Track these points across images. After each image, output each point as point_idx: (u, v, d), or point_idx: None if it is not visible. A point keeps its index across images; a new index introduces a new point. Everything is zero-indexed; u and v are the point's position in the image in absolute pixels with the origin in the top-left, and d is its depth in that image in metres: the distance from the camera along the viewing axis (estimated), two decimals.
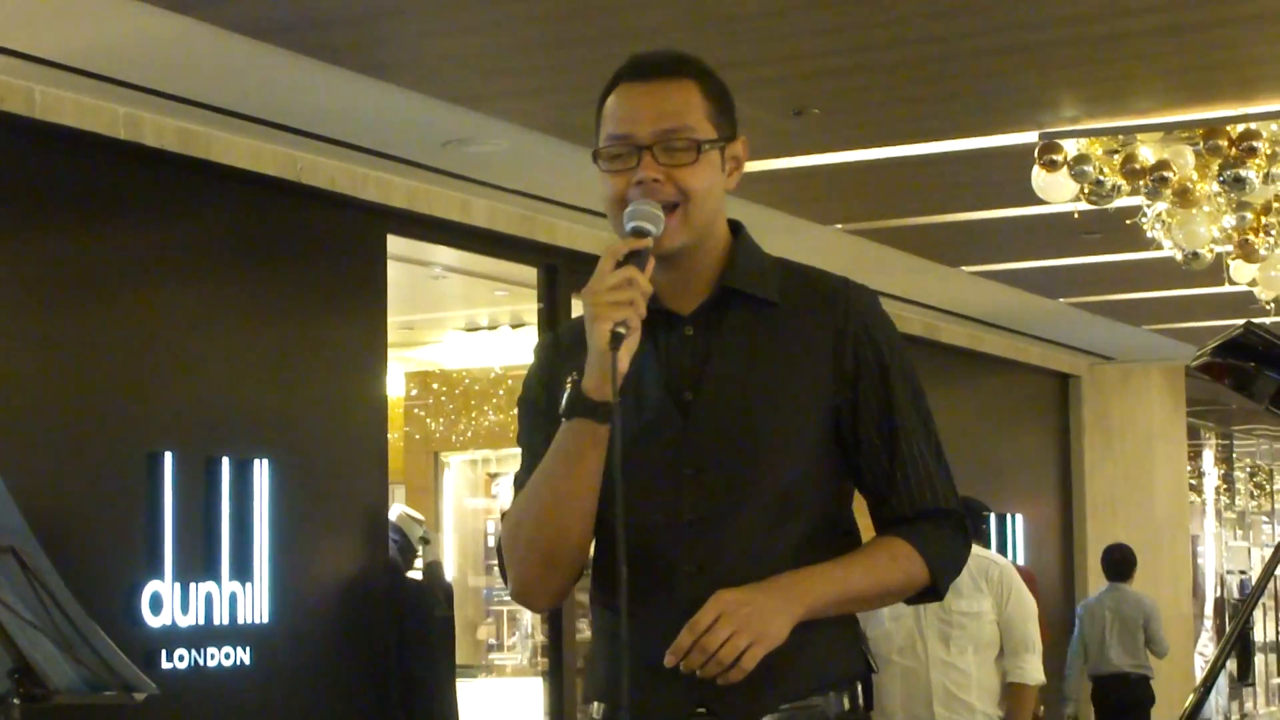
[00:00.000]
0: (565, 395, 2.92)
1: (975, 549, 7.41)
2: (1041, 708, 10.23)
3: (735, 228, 3.15)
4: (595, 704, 3.11)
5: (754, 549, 2.96)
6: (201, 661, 7.70)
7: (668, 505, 2.98)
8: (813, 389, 3.02)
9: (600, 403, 2.87)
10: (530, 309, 11.12)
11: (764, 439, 2.99)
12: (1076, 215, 9.46)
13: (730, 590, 2.88)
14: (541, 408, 3.10)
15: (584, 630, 10.68)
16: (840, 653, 3.07)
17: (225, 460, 7.89)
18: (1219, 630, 23.67)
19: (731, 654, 2.84)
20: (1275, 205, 8.93)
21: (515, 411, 3.21)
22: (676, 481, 2.98)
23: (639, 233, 2.92)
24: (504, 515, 3.12)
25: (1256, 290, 9.90)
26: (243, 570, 7.91)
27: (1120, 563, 13.34)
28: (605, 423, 2.88)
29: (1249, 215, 8.91)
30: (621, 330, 2.82)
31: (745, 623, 2.85)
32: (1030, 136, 8.35)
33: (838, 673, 3.05)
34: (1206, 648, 21.61)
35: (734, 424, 2.99)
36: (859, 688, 3.08)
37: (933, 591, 3.10)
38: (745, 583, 2.91)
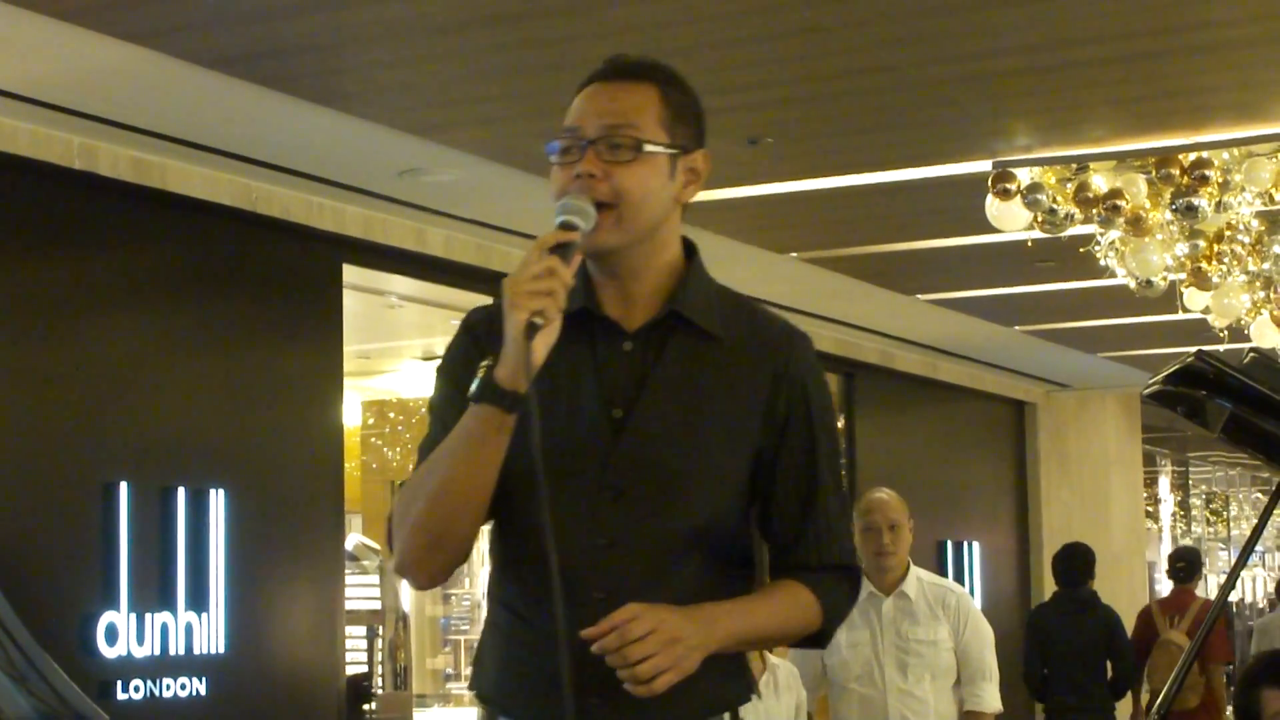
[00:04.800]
0: (477, 379, 2.88)
1: (932, 577, 7.45)
2: None
3: (690, 250, 3.13)
4: (488, 708, 3.10)
5: (659, 577, 2.96)
6: (158, 692, 7.67)
7: (584, 524, 2.95)
8: (741, 429, 3.02)
9: (510, 391, 2.83)
10: None
11: (687, 471, 2.98)
12: (1030, 244, 9.50)
13: (666, 611, 2.86)
14: (458, 379, 3.03)
15: None
16: (730, 678, 3.08)
17: (181, 490, 7.87)
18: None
19: (649, 672, 2.83)
20: (1227, 233, 8.98)
21: None
22: (596, 503, 2.96)
23: (567, 226, 2.89)
24: (402, 485, 3.09)
25: (1210, 318, 9.95)
26: (199, 601, 7.89)
27: None
28: (512, 412, 2.85)
29: (1201, 243, 8.96)
30: (538, 320, 2.79)
31: (670, 649, 2.84)
32: (984, 165, 8.38)
33: (726, 697, 3.07)
34: None
35: (659, 452, 2.97)
36: (738, 711, 3.10)
37: (817, 638, 3.13)
38: None
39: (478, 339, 3.05)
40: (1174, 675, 4.53)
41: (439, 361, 3.15)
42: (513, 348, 2.82)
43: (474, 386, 2.88)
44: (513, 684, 3.04)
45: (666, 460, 2.97)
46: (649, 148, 2.98)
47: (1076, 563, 11.23)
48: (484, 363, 2.89)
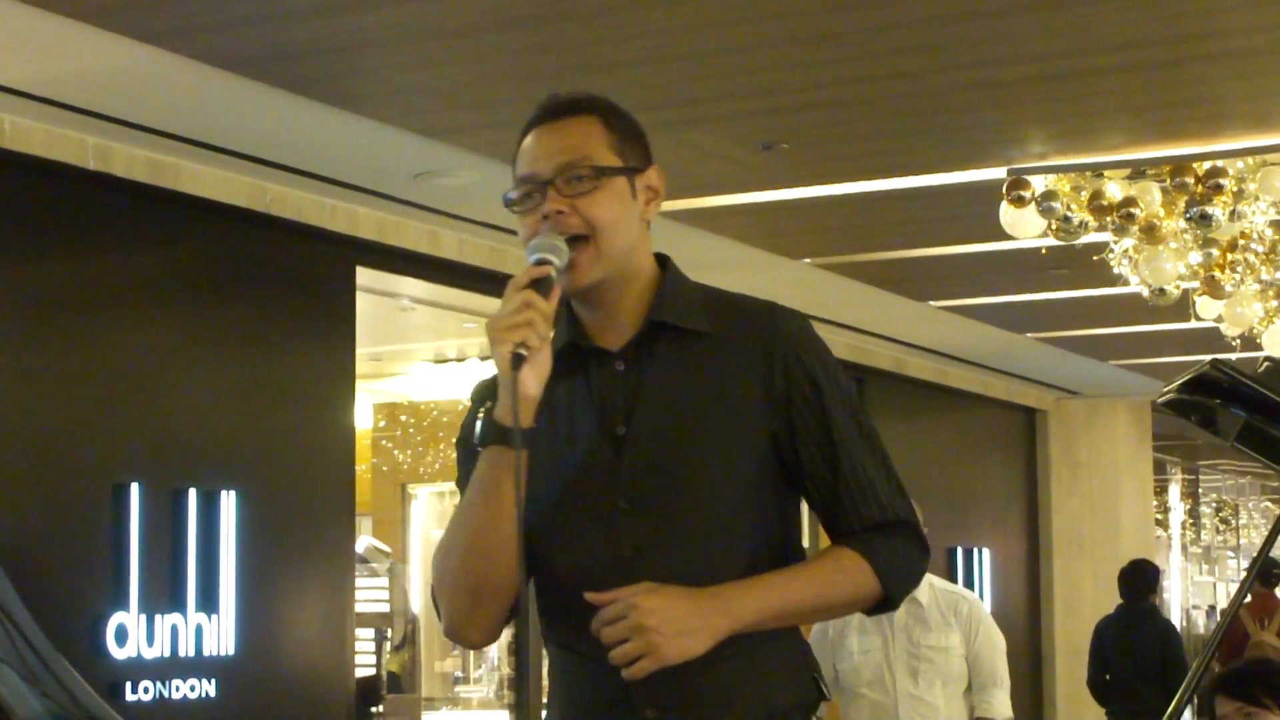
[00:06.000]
0: (478, 425, 2.93)
1: (945, 584, 7.45)
2: None
3: (662, 262, 3.14)
4: None
5: (698, 578, 2.93)
6: (167, 694, 7.67)
7: (606, 540, 2.96)
8: (744, 416, 3.01)
9: (508, 427, 2.86)
10: None
11: (696, 469, 2.97)
12: (1044, 251, 9.50)
13: (659, 595, 2.86)
14: (472, 447, 3.06)
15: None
16: (792, 680, 3.05)
17: (192, 491, 7.87)
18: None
19: (621, 659, 2.83)
20: (1241, 242, 8.96)
21: None
22: (612, 516, 2.97)
23: (540, 262, 2.92)
24: (435, 551, 3.10)
25: (1222, 326, 9.94)
26: (209, 602, 7.89)
27: None
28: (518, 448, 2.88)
29: (1215, 252, 8.94)
30: (522, 351, 2.83)
31: (647, 633, 2.82)
32: (998, 172, 8.37)
33: (790, 700, 3.03)
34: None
35: (666, 456, 2.98)
36: (812, 717, 3.07)
37: (886, 602, 3.08)
38: None
39: (482, 402, 3.08)
40: (1186, 684, 4.52)
41: (457, 438, 3.19)
42: (504, 384, 2.86)
43: (478, 432, 2.94)
44: (577, 715, 3.04)
45: (673, 461, 2.97)
46: (608, 173, 3.01)
47: (1139, 578, 12.06)
48: (484, 407, 2.94)
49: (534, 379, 2.86)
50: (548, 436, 3.00)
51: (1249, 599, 13.42)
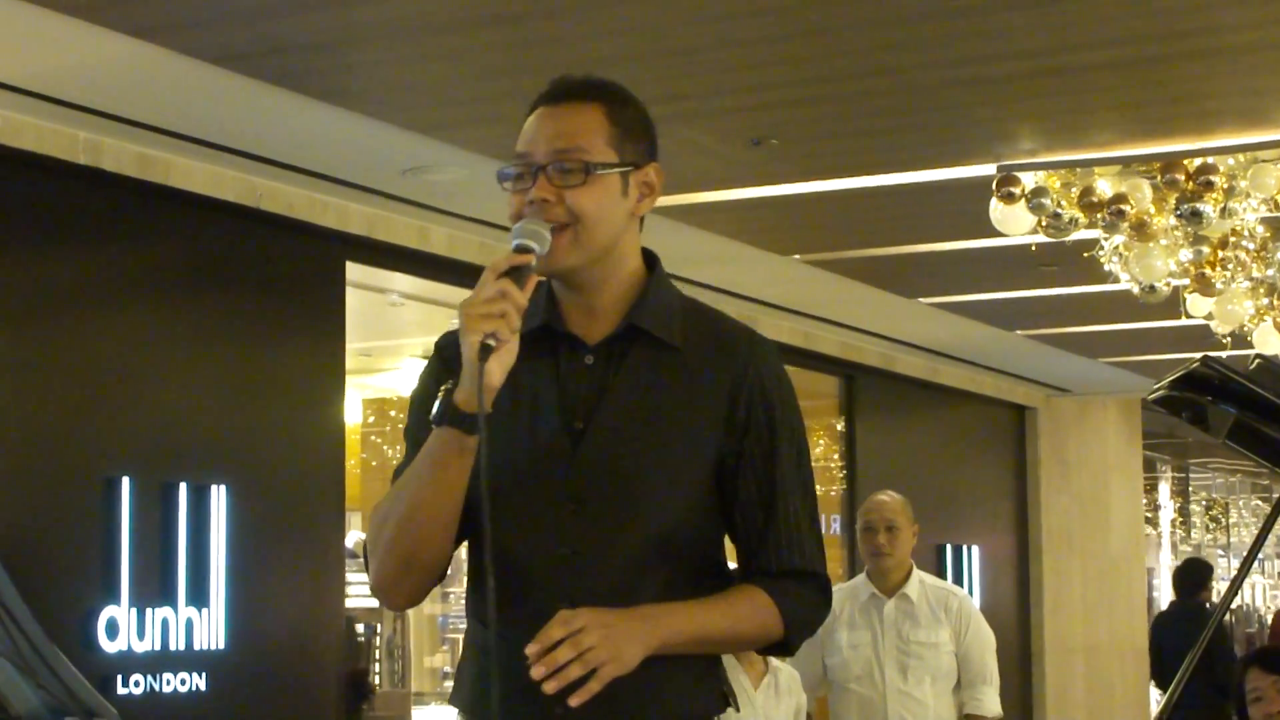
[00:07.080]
0: (437, 402, 2.92)
1: (935, 580, 7.46)
2: None
3: (650, 262, 3.16)
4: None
5: (624, 586, 2.97)
6: (158, 687, 7.67)
7: (547, 534, 2.98)
8: (702, 435, 3.04)
9: (468, 414, 2.86)
10: None
11: (648, 479, 3.00)
12: (1034, 248, 9.50)
13: (590, 610, 2.88)
14: (428, 403, 3.07)
15: None
16: (702, 689, 3.08)
17: (183, 486, 7.87)
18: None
19: (579, 671, 2.82)
20: (1232, 239, 8.97)
21: None
22: (558, 512, 2.99)
23: (522, 250, 2.94)
24: (375, 507, 3.11)
25: (1213, 324, 9.94)
26: (199, 596, 7.89)
27: None
28: (472, 434, 2.88)
29: (1205, 249, 8.95)
30: (490, 342, 2.83)
31: (601, 642, 2.84)
32: (988, 169, 8.37)
33: (697, 709, 3.07)
34: None
35: (619, 460, 3.00)
36: None
37: (782, 647, 3.14)
38: None
39: (448, 362, 3.09)
40: (1175, 683, 4.54)
41: (414, 388, 3.20)
42: (468, 370, 2.86)
43: (435, 409, 2.93)
44: (486, 695, 3.02)
45: (625, 468, 3.00)
46: (599, 170, 3.01)
47: (1190, 576, 12.78)
48: (445, 385, 2.94)
49: (499, 369, 2.86)
50: (509, 415, 3.00)
51: None
